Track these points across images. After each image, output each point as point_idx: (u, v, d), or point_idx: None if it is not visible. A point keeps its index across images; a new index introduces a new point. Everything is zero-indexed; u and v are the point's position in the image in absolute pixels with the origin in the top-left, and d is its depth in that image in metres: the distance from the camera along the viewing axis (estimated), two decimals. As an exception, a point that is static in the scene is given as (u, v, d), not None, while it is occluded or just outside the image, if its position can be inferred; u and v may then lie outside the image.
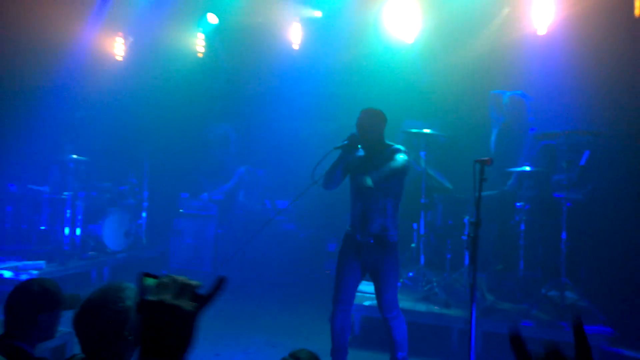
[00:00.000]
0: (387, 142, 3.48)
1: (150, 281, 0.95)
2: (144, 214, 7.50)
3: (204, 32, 7.68)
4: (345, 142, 3.33)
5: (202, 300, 0.87)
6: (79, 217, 6.46)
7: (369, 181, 3.15)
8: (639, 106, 4.73)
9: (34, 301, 1.99)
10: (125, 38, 7.73)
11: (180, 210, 7.24)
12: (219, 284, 0.89)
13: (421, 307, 4.44)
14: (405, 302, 4.51)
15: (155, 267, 7.00)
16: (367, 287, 4.96)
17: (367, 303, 4.58)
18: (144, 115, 7.56)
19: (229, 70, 7.76)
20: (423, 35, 6.29)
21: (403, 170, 3.34)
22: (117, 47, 7.76)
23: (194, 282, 0.88)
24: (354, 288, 3.53)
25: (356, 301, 4.59)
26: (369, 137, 3.37)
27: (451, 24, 5.94)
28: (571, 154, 4.34)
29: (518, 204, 4.57)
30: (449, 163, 5.84)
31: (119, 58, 7.73)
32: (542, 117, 5.14)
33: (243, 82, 7.64)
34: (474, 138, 5.75)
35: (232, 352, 4.12)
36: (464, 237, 4.74)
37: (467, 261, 4.72)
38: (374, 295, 4.68)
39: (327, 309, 5.16)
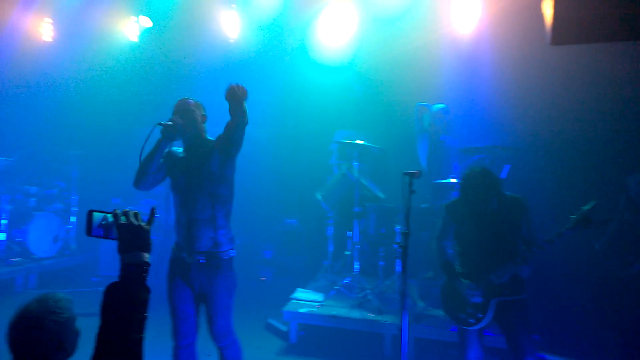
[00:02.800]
0: (209, 137, 3.06)
1: (97, 214, 1.54)
2: (73, 219, 7.17)
3: (137, 37, 7.46)
4: (169, 122, 2.84)
5: (149, 221, 1.57)
6: (4, 221, 6.12)
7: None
8: (557, 121, 5.18)
9: None
10: (54, 31, 7.32)
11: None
12: (153, 212, 1.61)
13: (355, 314, 4.57)
14: (340, 309, 4.66)
15: (85, 274, 6.72)
16: (303, 295, 5.08)
17: (302, 310, 4.66)
18: (73, 116, 7.24)
19: (163, 74, 7.60)
20: (356, 49, 6.50)
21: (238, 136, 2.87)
22: (45, 32, 7.27)
23: (137, 211, 1.55)
24: (194, 316, 3.02)
25: (292, 308, 4.71)
26: (188, 126, 2.92)
27: (382, 39, 6.18)
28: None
29: (447, 215, 4.84)
30: (380, 173, 6.06)
31: (48, 39, 7.25)
32: (466, 132, 5.48)
33: (177, 86, 7.51)
34: (404, 149, 6.00)
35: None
36: (396, 246, 4.95)
37: (398, 269, 4.93)
38: (310, 303, 4.83)
39: (263, 315, 5.26)
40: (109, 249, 6.66)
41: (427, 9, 5.91)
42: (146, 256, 1.49)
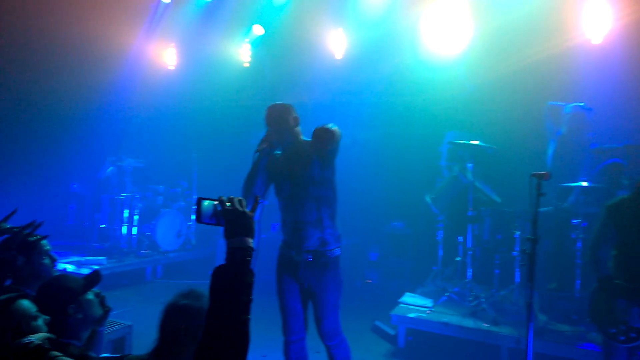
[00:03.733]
0: (305, 138, 3.01)
1: (207, 201, 1.59)
2: (193, 217, 7.75)
3: (250, 43, 7.90)
4: (265, 145, 2.88)
5: (253, 209, 1.58)
6: (135, 217, 6.78)
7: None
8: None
9: (56, 297, 2.01)
10: (176, 48, 8.08)
11: (228, 214, 7.44)
12: (257, 199, 1.64)
13: (469, 322, 4.34)
14: (452, 317, 4.47)
15: (204, 267, 7.21)
16: (412, 299, 4.95)
17: (411, 315, 4.54)
18: (193, 122, 7.85)
19: (273, 79, 7.93)
20: (468, 46, 6.20)
21: (338, 135, 2.82)
22: (169, 57, 8.11)
23: (241, 198, 1.58)
24: (303, 312, 3.06)
25: (400, 312, 4.61)
26: (283, 135, 2.93)
27: (500, 34, 5.83)
28: (632, 171, 4.17)
29: (574, 221, 4.43)
30: (496, 175, 5.73)
31: (171, 67, 8.07)
32: (599, 131, 4.98)
33: (286, 91, 7.78)
34: (523, 150, 5.61)
35: (277, 355, 4.18)
36: (514, 253, 4.64)
37: (517, 278, 4.61)
38: (419, 308, 4.70)
39: (368, 317, 5.22)
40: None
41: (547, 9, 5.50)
42: (250, 241, 1.52)
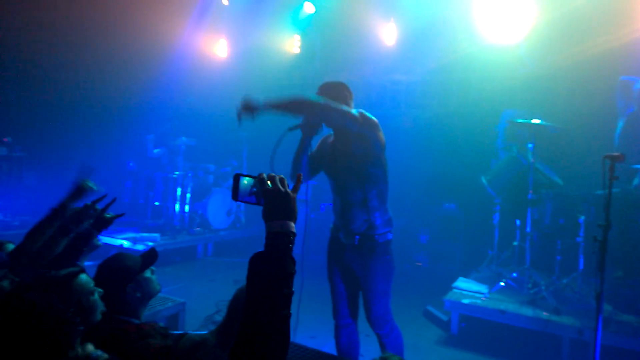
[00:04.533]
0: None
1: (246, 178, 1.46)
2: (241, 195, 7.84)
3: (300, 25, 7.79)
4: (302, 123, 2.74)
5: (295, 188, 1.44)
6: (187, 195, 6.92)
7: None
8: None
9: (115, 276, 2.04)
10: (227, 38, 8.13)
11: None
12: (299, 179, 1.47)
13: (527, 311, 4.14)
14: (509, 304, 4.28)
15: (253, 245, 7.31)
16: (466, 285, 4.79)
17: (465, 301, 4.39)
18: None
19: (323, 59, 7.80)
20: (531, 29, 5.81)
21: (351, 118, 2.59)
22: (221, 48, 8.20)
23: (283, 176, 1.44)
24: (353, 297, 2.99)
25: (454, 298, 4.47)
26: None
27: (566, 19, 5.45)
28: None
29: (645, 206, 4.11)
30: (559, 156, 5.41)
31: (223, 56, 8.14)
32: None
33: (336, 71, 7.64)
34: (589, 130, 5.25)
35: (327, 336, 4.16)
36: (579, 239, 4.37)
37: (581, 265, 4.35)
38: (473, 294, 4.53)
39: (418, 301, 5.11)
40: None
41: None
42: (292, 225, 1.37)
